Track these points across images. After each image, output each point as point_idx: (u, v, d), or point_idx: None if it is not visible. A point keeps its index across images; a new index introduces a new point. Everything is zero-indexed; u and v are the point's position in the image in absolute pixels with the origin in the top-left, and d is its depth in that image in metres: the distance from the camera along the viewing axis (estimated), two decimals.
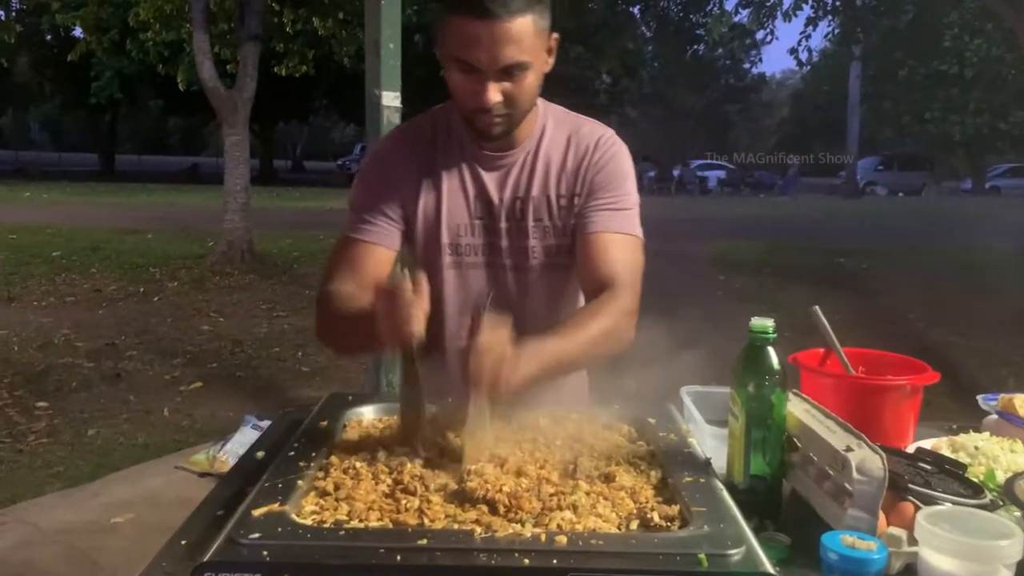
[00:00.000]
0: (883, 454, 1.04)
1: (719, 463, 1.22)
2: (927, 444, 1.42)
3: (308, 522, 0.99)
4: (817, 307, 1.58)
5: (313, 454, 1.17)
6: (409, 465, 1.13)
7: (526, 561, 0.88)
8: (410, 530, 0.96)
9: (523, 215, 1.49)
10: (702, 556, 0.89)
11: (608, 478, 1.10)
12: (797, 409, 1.21)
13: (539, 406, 1.32)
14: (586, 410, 1.36)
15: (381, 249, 1.49)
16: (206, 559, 0.89)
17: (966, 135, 30.20)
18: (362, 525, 0.99)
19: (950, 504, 1.10)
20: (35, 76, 32.85)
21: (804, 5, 11.71)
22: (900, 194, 30.85)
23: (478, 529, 0.94)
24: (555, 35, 1.38)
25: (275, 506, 0.99)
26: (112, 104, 30.62)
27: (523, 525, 0.96)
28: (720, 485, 1.09)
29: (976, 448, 1.38)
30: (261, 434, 1.51)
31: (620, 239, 1.46)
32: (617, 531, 0.98)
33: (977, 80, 26.42)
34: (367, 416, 1.39)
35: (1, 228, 12.14)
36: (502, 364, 1.12)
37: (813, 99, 43.36)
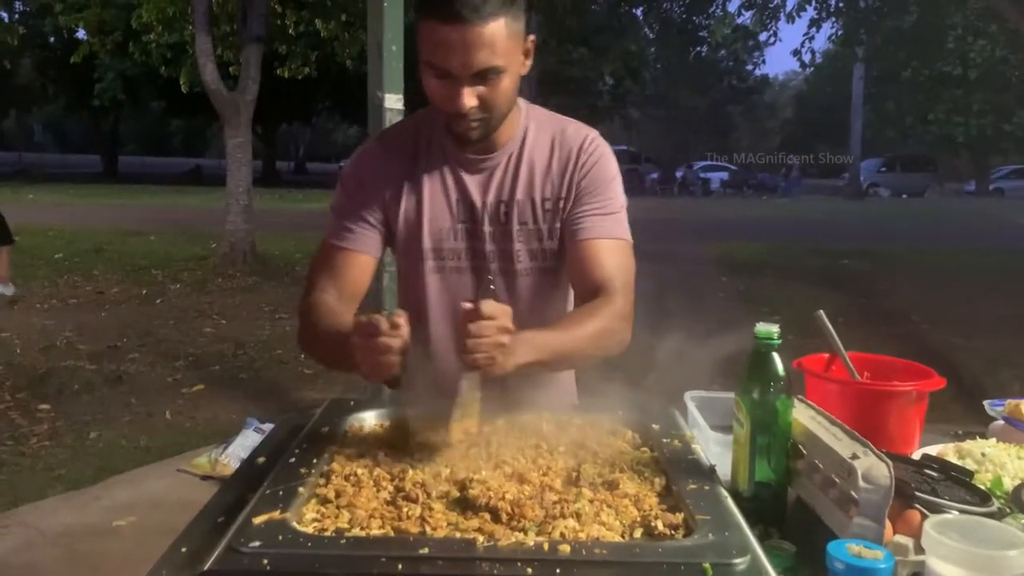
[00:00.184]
0: (889, 462, 1.03)
1: (723, 470, 1.21)
2: (933, 450, 1.41)
3: (309, 530, 0.98)
4: (822, 312, 1.57)
5: (314, 460, 1.16)
6: (411, 472, 1.12)
7: (529, 571, 0.87)
8: (412, 539, 0.95)
9: (507, 219, 1.48)
10: (707, 566, 0.88)
11: (612, 485, 1.10)
12: (802, 415, 1.20)
13: (522, 405, 1.32)
14: (589, 415, 1.36)
15: (363, 256, 1.48)
16: (206, 568, 0.89)
17: (970, 137, 30.20)
18: (363, 533, 0.98)
19: (957, 512, 1.09)
20: (38, 78, 32.94)
21: (807, 6, 11.68)
22: (903, 196, 30.84)
23: (480, 538, 0.94)
24: (531, 37, 1.37)
25: (276, 514, 0.99)
26: (115, 106, 30.66)
27: (526, 533, 0.96)
28: (725, 492, 1.09)
29: (983, 455, 1.37)
30: (262, 439, 1.50)
31: (611, 244, 1.45)
32: (621, 540, 0.98)
33: (981, 81, 26.39)
34: (369, 422, 1.38)
35: None
36: (501, 339, 1.12)
37: (816, 100, 43.38)
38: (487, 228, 1.48)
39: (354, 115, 32.98)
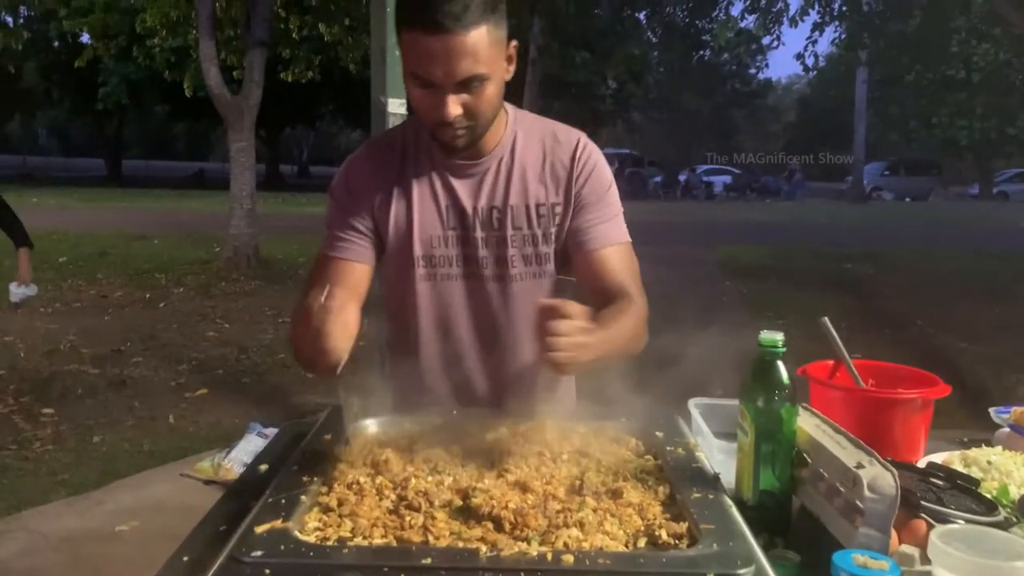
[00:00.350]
0: (895, 471, 1.02)
1: (728, 478, 1.20)
2: (938, 458, 1.40)
3: (311, 539, 0.98)
4: (826, 319, 1.56)
5: (316, 469, 1.16)
6: (414, 480, 1.12)
7: None
8: (414, 548, 0.95)
9: (501, 224, 1.48)
10: None
11: (615, 494, 1.09)
12: (807, 424, 1.20)
13: (524, 412, 1.32)
14: (592, 422, 1.35)
15: (357, 264, 1.48)
16: None
17: (973, 140, 30.12)
18: (366, 543, 0.97)
19: (963, 522, 1.08)
20: (43, 82, 32.99)
21: (811, 10, 11.69)
22: (907, 199, 30.78)
23: (483, 548, 0.93)
24: (514, 43, 1.37)
25: (278, 523, 0.98)
26: (119, 110, 30.73)
27: (529, 543, 0.95)
28: (729, 501, 1.08)
29: (989, 463, 1.36)
30: (265, 445, 1.50)
31: (617, 249, 1.49)
32: (625, 550, 0.97)
33: (984, 85, 26.32)
34: (371, 429, 1.38)
35: None
36: (583, 340, 1.14)
37: (819, 104, 43.32)
38: (479, 234, 1.48)
39: (357, 119, 33.06)
